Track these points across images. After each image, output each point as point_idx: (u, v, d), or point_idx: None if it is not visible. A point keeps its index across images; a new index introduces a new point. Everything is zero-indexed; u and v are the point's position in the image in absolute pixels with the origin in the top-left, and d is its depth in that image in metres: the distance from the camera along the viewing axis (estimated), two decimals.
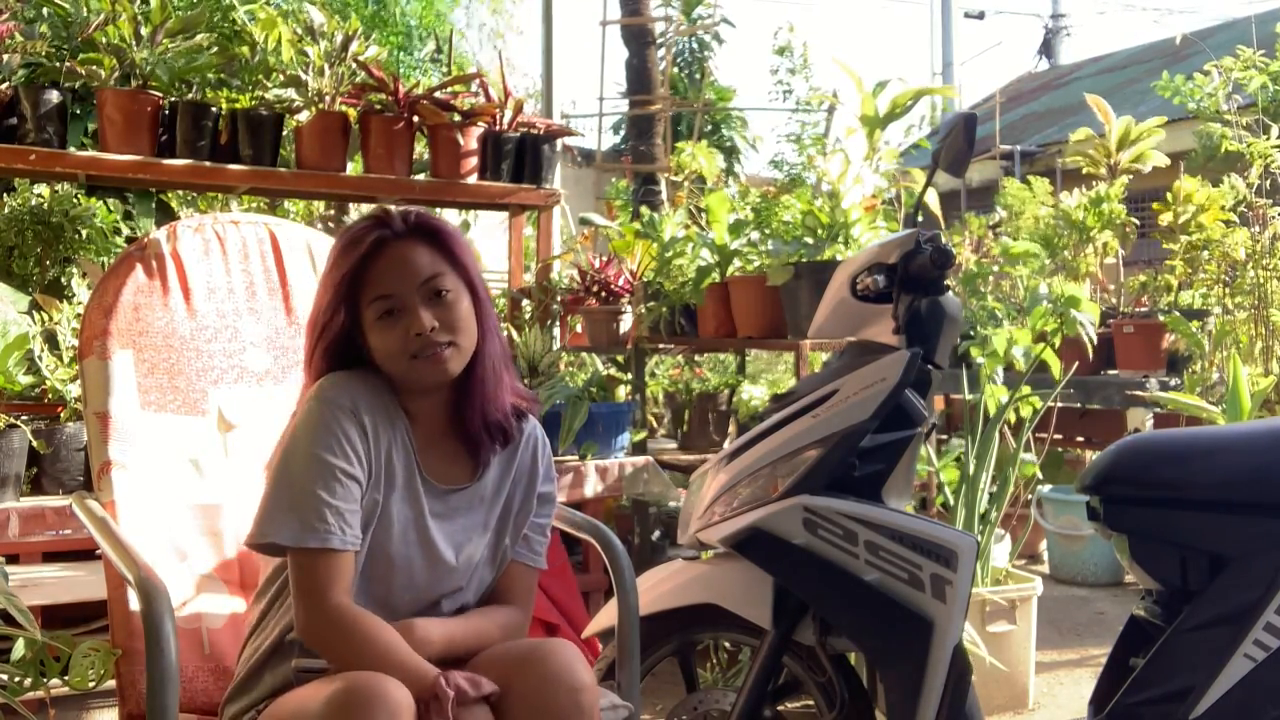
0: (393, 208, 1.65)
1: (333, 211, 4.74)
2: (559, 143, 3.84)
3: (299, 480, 1.51)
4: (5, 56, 3.01)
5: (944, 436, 5.40)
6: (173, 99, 3.19)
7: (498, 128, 3.61)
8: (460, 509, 1.65)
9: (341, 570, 1.50)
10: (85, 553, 2.91)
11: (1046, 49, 18.51)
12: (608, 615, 2.03)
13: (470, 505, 1.66)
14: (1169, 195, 4.74)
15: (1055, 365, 3.39)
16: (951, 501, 3.12)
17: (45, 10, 3.53)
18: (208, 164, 3.21)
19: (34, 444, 2.74)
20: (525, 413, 1.72)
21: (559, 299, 3.92)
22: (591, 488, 3.39)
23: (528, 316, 3.83)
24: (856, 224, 3.40)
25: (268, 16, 3.42)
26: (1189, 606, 1.91)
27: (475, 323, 1.62)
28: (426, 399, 1.64)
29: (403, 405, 1.63)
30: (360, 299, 1.58)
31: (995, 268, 4.53)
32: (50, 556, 3.02)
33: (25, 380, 2.84)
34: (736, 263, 3.71)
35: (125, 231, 4.05)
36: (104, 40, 3.08)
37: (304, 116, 3.35)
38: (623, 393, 3.95)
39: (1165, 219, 4.75)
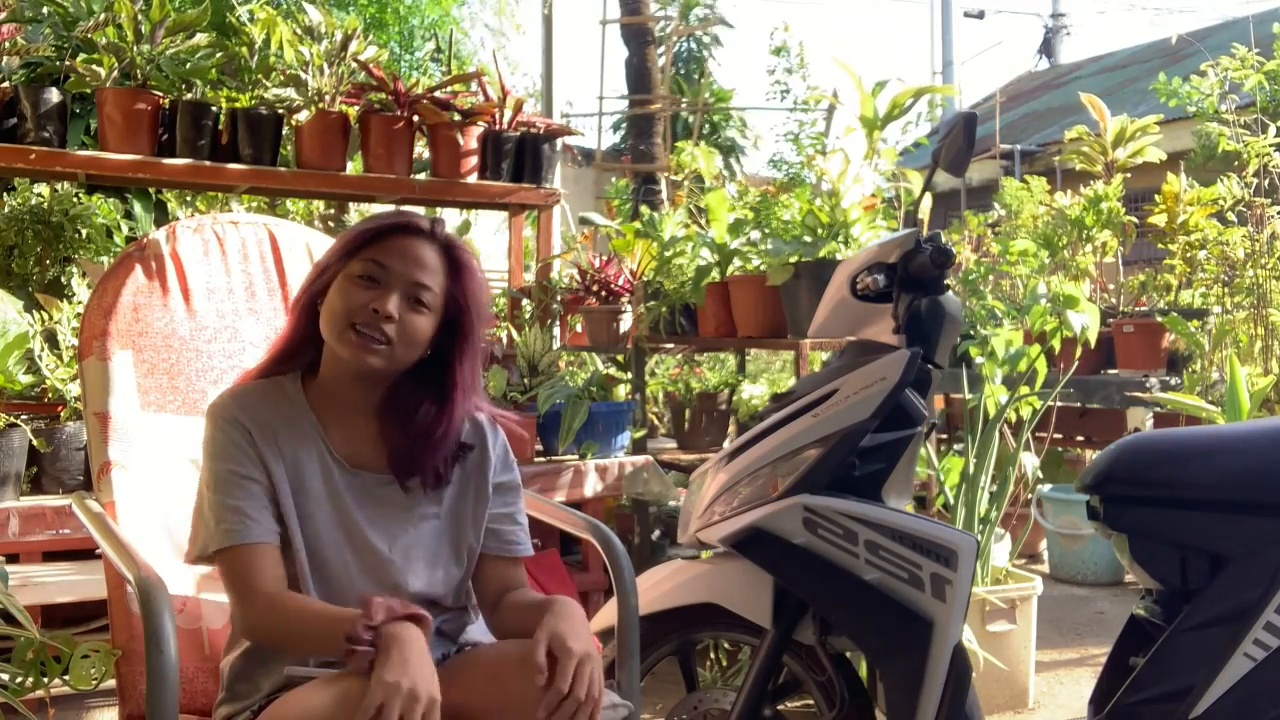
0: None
1: (333, 211, 4.74)
2: (559, 142, 3.84)
3: (205, 493, 1.54)
4: (5, 58, 3.01)
5: (944, 436, 5.40)
6: (172, 98, 3.19)
7: (497, 127, 3.61)
8: (395, 499, 1.62)
9: (259, 561, 1.49)
10: (85, 552, 2.91)
11: (1046, 48, 18.53)
12: (607, 615, 2.03)
13: (409, 494, 1.63)
14: (1157, 196, 4.75)
15: (1043, 372, 3.39)
16: (951, 501, 3.12)
17: (45, 9, 3.53)
18: (208, 163, 3.21)
19: (34, 443, 2.74)
20: (468, 445, 1.68)
21: (559, 298, 3.92)
22: (591, 487, 3.39)
23: (528, 316, 3.83)
24: (856, 223, 3.40)
25: (267, 16, 3.42)
26: (1189, 606, 1.91)
27: (426, 344, 1.59)
28: (352, 392, 1.62)
29: (331, 396, 1.62)
30: (355, 256, 1.58)
31: (995, 267, 4.54)
32: (50, 556, 3.01)
33: (25, 380, 2.84)
34: (736, 262, 3.70)
35: (125, 231, 4.05)
36: (104, 40, 3.08)
37: (304, 116, 3.35)
38: (623, 392, 3.95)
39: (1160, 219, 4.75)
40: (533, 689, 1.44)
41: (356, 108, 3.44)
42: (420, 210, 2.44)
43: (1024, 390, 3.29)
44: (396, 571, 1.60)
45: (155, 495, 1.83)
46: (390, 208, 2.64)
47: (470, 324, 1.62)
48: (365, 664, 1.34)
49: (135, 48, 3.10)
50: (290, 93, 3.32)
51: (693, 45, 11.31)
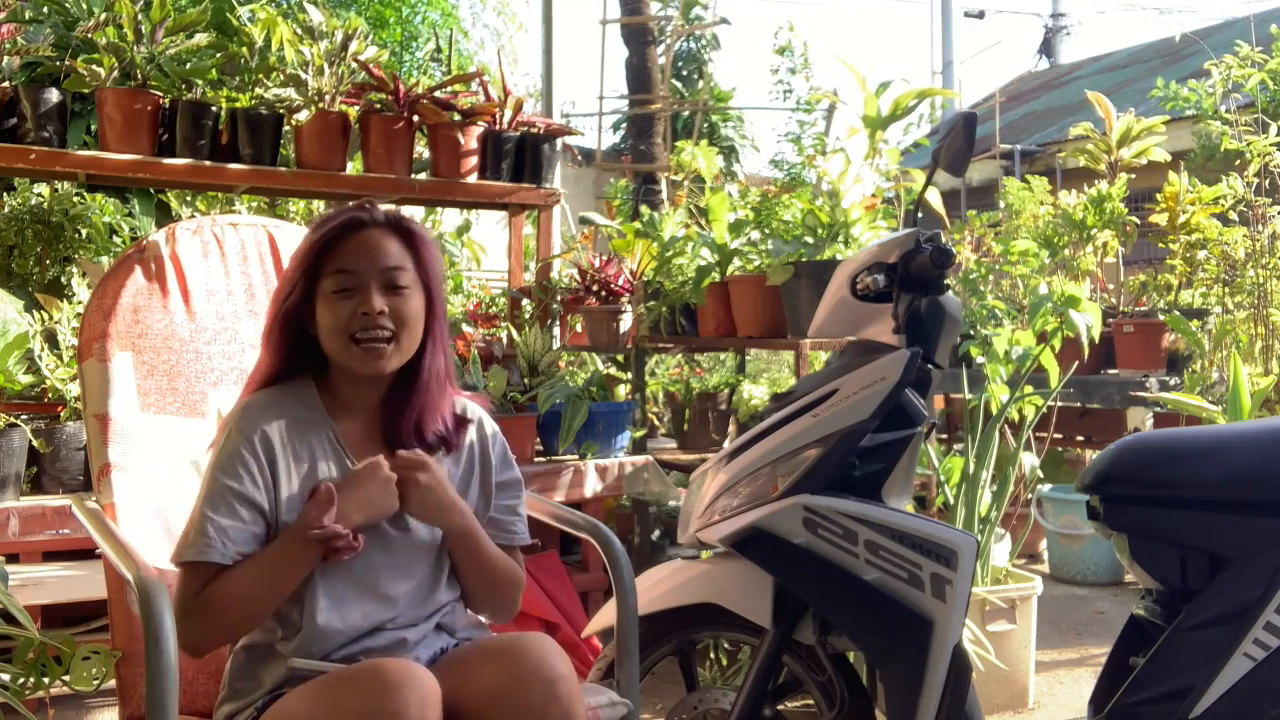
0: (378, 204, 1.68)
1: (333, 211, 4.73)
2: (559, 142, 3.84)
3: (197, 502, 1.56)
4: (5, 58, 3.01)
5: (944, 436, 5.40)
6: (173, 98, 3.19)
7: (498, 127, 3.61)
8: None
9: (209, 578, 1.52)
10: (85, 552, 2.91)
11: (1046, 48, 18.52)
12: (607, 615, 2.03)
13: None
14: (1159, 195, 4.74)
15: (1054, 370, 3.39)
16: (951, 501, 3.12)
17: (45, 9, 3.53)
18: (208, 163, 3.21)
19: (34, 443, 2.75)
20: (468, 419, 1.74)
21: (559, 298, 3.92)
22: (591, 487, 3.39)
23: (528, 316, 3.83)
24: (856, 223, 3.40)
25: (268, 16, 3.42)
26: (1189, 606, 1.91)
27: (423, 327, 1.65)
28: (361, 392, 1.66)
29: (340, 398, 1.66)
30: (321, 270, 1.61)
31: (995, 267, 4.53)
32: (50, 556, 3.02)
33: (25, 380, 2.84)
34: (736, 262, 3.70)
35: (126, 231, 4.05)
36: (104, 40, 3.08)
37: (304, 116, 3.35)
38: (623, 392, 3.95)
39: (1161, 218, 4.75)
40: (524, 676, 1.45)
41: (356, 108, 3.44)
42: (420, 210, 2.44)
43: (1027, 390, 3.29)
44: (404, 555, 1.63)
45: (155, 497, 1.83)
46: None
47: (435, 287, 1.68)
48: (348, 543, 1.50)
49: (135, 48, 3.10)
50: (290, 93, 3.32)
51: (692, 45, 11.31)
